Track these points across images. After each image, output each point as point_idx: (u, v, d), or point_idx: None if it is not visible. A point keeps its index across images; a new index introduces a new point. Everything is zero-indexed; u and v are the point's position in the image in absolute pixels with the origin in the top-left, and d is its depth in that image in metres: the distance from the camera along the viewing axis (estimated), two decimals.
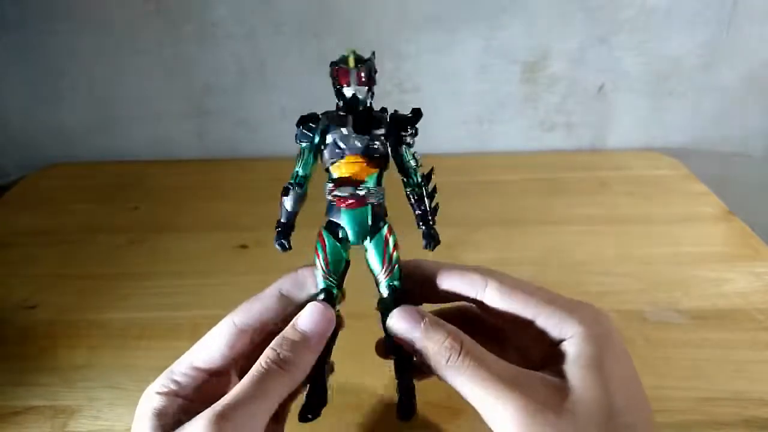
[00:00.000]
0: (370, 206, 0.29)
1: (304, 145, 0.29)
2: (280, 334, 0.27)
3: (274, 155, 0.74)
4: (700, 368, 0.43)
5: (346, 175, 0.28)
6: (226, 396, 0.25)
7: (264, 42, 0.71)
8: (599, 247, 0.58)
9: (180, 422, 0.25)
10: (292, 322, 0.27)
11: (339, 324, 0.29)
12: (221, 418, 0.23)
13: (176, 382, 0.27)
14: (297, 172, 0.29)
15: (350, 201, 0.28)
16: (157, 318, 0.50)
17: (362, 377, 0.41)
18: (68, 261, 0.58)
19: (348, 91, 0.28)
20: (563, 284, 0.52)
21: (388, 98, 0.74)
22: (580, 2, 0.68)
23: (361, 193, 0.28)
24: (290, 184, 0.29)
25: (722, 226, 0.60)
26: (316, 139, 0.29)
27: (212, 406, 0.24)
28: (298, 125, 0.29)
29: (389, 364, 0.29)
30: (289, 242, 0.29)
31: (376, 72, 0.28)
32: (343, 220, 0.29)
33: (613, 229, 0.60)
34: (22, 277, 0.56)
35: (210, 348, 0.28)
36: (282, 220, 0.30)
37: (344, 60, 0.27)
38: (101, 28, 0.71)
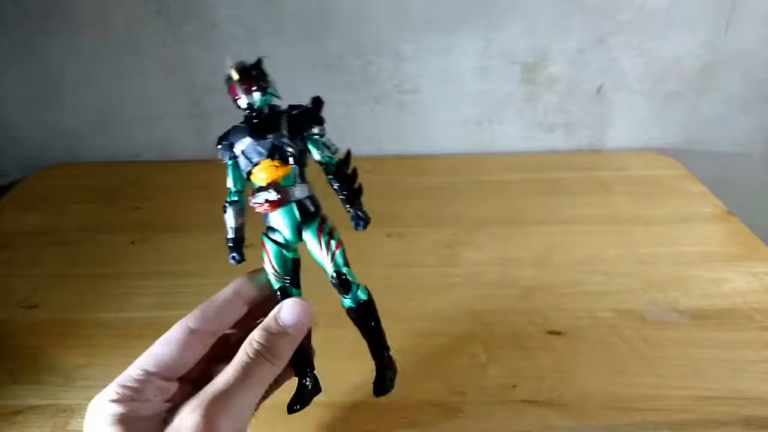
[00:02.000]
0: (293, 203, 0.29)
1: (227, 161, 0.30)
2: (262, 326, 0.28)
3: None
4: (698, 368, 0.43)
5: (263, 182, 0.29)
6: (213, 386, 0.25)
7: (264, 42, 0.71)
8: (599, 247, 0.58)
9: (146, 422, 0.25)
10: (272, 315, 0.28)
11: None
12: (215, 408, 0.24)
13: (130, 388, 0.27)
14: (229, 188, 0.31)
15: (266, 206, 0.29)
16: (157, 318, 0.50)
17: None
18: (68, 261, 0.58)
19: (242, 102, 0.29)
20: (563, 284, 0.52)
21: (388, 99, 0.74)
22: (579, 3, 0.68)
23: (272, 196, 0.28)
24: (226, 202, 0.31)
25: (721, 226, 0.61)
26: (234, 154, 0.30)
27: (199, 396, 0.24)
28: (217, 144, 0.31)
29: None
30: (241, 254, 0.31)
31: (266, 74, 0.30)
32: (275, 222, 0.30)
33: (612, 229, 0.61)
34: (22, 277, 0.56)
35: (164, 353, 0.28)
36: (229, 236, 0.31)
37: (229, 75, 0.29)
38: (101, 28, 0.71)
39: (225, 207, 0.31)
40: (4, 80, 0.75)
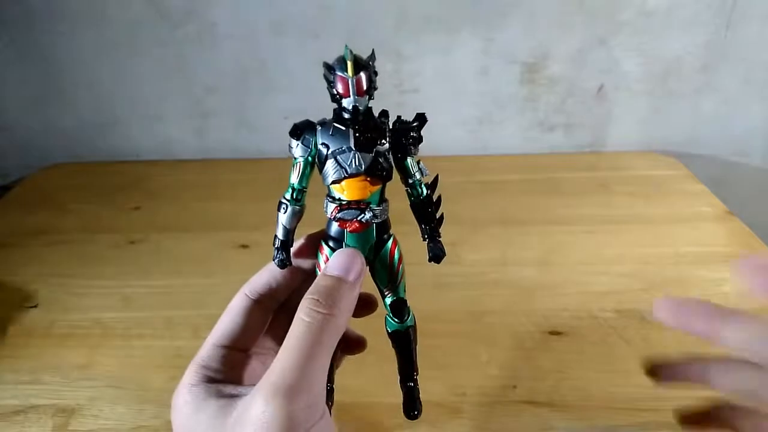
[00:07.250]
0: (374, 225, 0.27)
1: (299, 157, 0.26)
2: (312, 285, 0.25)
3: (274, 155, 0.74)
4: None
5: (350, 198, 0.26)
6: (275, 364, 0.22)
7: (264, 42, 0.71)
8: (599, 247, 0.58)
9: (228, 398, 0.24)
10: (321, 273, 0.26)
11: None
12: (279, 388, 0.21)
13: (206, 367, 0.26)
14: (293, 185, 0.27)
15: (355, 225, 0.26)
16: (157, 318, 0.50)
17: (362, 379, 0.41)
18: (68, 261, 0.58)
19: (347, 103, 0.25)
20: (563, 284, 0.52)
21: (388, 99, 0.74)
22: (579, 3, 0.68)
23: (367, 217, 0.26)
24: (287, 199, 0.27)
25: (722, 226, 0.61)
26: (313, 152, 0.26)
27: (266, 381, 0.22)
28: (293, 136, 0.26)
29: (391, 368, 0.30)
30: (290, 258, 0.28)
31: (377, 74, 0.26)
32: (347, 238, 0.27)
33: (612, 229, 0.61)
34: (22, 277, 0.56)
35: (227, 324, 0.27)
36: (281, 238, 0.27)
37: (342, 65, 0.25)
38: (102, 29, 0.71)
39: (284, 205, 0.27)
40: (4, 80, 0.75)
